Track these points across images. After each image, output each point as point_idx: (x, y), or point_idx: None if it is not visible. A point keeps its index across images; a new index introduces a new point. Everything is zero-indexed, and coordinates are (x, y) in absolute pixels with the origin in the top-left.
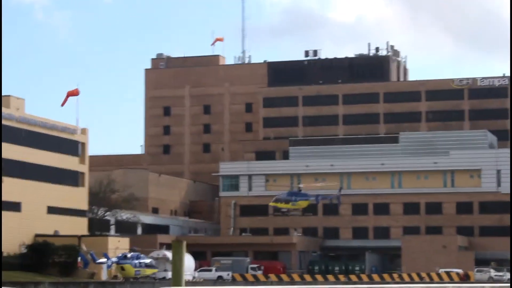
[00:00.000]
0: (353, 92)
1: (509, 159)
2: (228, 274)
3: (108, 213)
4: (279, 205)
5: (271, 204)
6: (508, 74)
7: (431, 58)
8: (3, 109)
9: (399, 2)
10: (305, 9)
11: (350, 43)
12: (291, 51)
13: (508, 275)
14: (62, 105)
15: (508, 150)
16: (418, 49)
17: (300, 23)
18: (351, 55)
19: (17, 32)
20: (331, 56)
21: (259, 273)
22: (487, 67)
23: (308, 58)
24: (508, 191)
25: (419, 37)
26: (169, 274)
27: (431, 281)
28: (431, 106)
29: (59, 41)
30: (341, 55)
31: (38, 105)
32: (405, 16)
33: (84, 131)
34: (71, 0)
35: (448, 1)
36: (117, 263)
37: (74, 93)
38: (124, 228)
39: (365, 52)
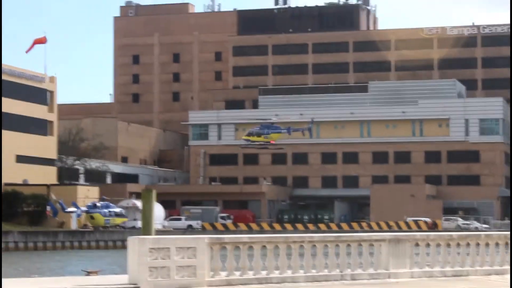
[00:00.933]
0: (323, 41)
1: (477, 108)
2: (197, 223)
3: (77, 162)
4: (252, 138)
5: (244, 137)
6: (476, 23)
7: (400, 7)
8: None
9: None
10: None
11: None
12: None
13: (476, 224)
14: (27, 51)
15: (477, 100)
16: None
17: None
18: (321, 3)
19: None
20: (301, 4)
21: (228, 222)
22: (453, 15)
23: (278, 6)
24: (476, 141)
25: None
26: (138, 223)
27: (399, 229)
28: (400, 55)
29: None
30: (311, 3)
31: (5, 54)
32: None
33: (52, 79)
34: None
35: None
36: (87, 212)
37: (41, 41)
38: (94, 177)
39: (335, 0)
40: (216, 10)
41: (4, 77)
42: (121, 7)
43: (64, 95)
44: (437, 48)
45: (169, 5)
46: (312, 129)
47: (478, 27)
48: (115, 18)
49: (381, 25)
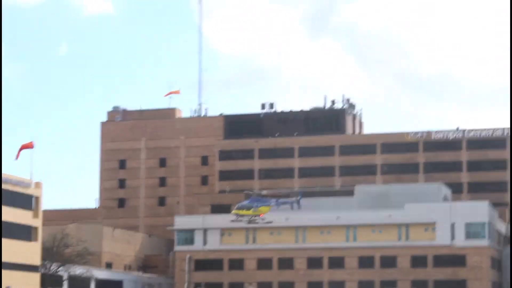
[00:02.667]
0: (309, 145)
1: (462, 212)
2: None
3: (61, 268)
4: (241, 212)
5: (234, 212)
6: (461, 127)
7: (385, 111)
8: None
9: (352, 55)
10: (259, 62)
11: (305, 95)
12: (247, 104)
13: None
14: (16, 158)
15: (463, 203)
16: (372, 101)
17: (254, 75)
18: (306, 107)
19: None
20: (287, 109)
21: None
22: (440, 119)
23: (264, 111)
24: (462, 245)
25: (373, 89)
26: None
27: None
28: (386, 159)
29: (12, 93)
30: (297, 108)
31: None
32: (358, 68)
33: (38, 184)
34: (24, 52)
35: (399, 54)
36: None
37: (28, 146)
38: (77, 284)
39: (321, 104)
40: (203, 114)
41: None
42: (108, 112)
43: (49, 200)
44: (422, 152)
45: (156, 110)
46: (301, 202)
47: (463, 131)
48: (102, 123)
49: (367, 129)
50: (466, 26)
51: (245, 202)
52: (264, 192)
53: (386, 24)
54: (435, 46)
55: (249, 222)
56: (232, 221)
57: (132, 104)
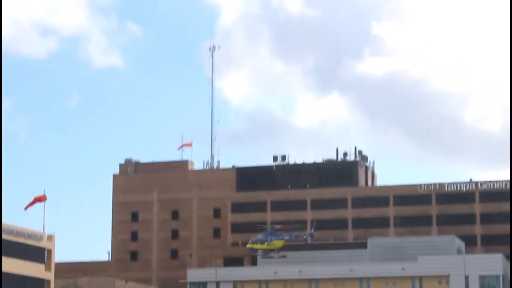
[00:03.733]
0: (322, 197)
1: (476, 265)
2: None
3: None
4: (256, 246)
5: (248, 246)
6: (474, 179)
7: (398, 162)
8: None
9: (360, 108)
10: (269, 115)
11: (315, 147)
12: (259, 156)
13: None
14: (26, 208)
15: (476, 256)
16: (383, 154)
17: (264, 128)
18: (319, 160)
19: None
20: (299, 161)
21: None
22: (450, 171)
23: (277, 163)
24: None
25: (382, 142)
26: None
27: None
28: (399, 212)
29: (24, 145)
30: (309, 160)
31: (5, 210)
32: (367, 121)
33: (50, 237)
34: (34, 104)
35: (406, 108)
36: None
37: (41, 199)
38: None
39: (332, 156)
40: (215, 167)
41: (2, 236)
42: (121, 164)
43: (62, 253)
44: (435, 204)
45: (168, 163)
46: (314, 235)
47: (476, 183)
48: (115, 175)
49: (380, 181)
50: (473, 78)
51: (259, 236)
52: (278, 226)
53: (393, 76)
54: (445, 97)
55: (263, 256)
56: (248, 255)
57: (144, 156)
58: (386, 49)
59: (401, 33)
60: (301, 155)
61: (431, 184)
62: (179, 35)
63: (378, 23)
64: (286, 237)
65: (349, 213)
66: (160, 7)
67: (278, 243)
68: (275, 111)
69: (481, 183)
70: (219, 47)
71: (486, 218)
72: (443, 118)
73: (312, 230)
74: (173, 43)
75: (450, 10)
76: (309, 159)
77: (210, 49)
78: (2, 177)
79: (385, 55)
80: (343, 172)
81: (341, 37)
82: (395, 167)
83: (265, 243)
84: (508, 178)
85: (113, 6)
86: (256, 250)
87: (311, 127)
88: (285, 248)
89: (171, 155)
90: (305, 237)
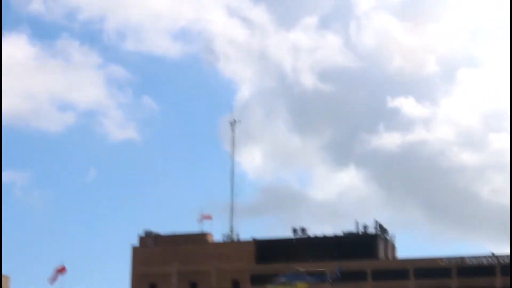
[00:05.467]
0: (342, 270)
1: None
2: None
3: None
4: (278, 287)
5: (269, 286)
6: (496, 253)
7: (413, 236)
8: None
9: (376, 181)
10: (285, 188)
11: (332, 220)
12: (277, 229)
13: None
14: (51, 283)
15: None
16: (400, 227)
17: (282, 201)
18: (339, 233)
19: None
20: (319, 233)
21: None
22: (468, 245)
23: (296, 236)
24: None
25: (399, 215)
26: None
27: None
28: (420, 285)
29: (42, 218)
30: (324, 232)
31: (24, 283)
32: (383, 194)
33: None
34: (51, 178)
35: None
36: None
37: (61, 270)
38: None
39: (349, 229)
40: (235, 239)
41: None
42: (140, 237)
43: None
44: (456, 277)
45: (188, 235)
46: (339, 277)
47: (497, 257)
48: (134, 248)
49: (400, 254)
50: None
51: (282, 278)
52: (302, 269)
53: (407, 150)
54: (461, 171)
55: None
56: None
57: (164, 228)
58: (400, 123)
59: (416, 108)
60: (318, 227)
61: (452, 258)
62: (195, 110)
63: (393, 98)
64: (310, 279)
65: (369, 285)
66: (176, 82)
67: (302, 286)
68: (292, 184)
69: (503, 256)
70: (240, 121)
71: None
72: (459, 192)
73: (338, 273)
74: (190, 117)
75: (464, 81)
76: (326, 232)
77: (231, 123)
78: (22, 251)
79: (400, 129)
80: (363, 244)
81: (356, 111)
82: (413, 241)
83: (288, 286)
84: None
85: (129, 81)
86: None
87: (328, 200)
88: None
89: (191, 227)
90: (330, 280)
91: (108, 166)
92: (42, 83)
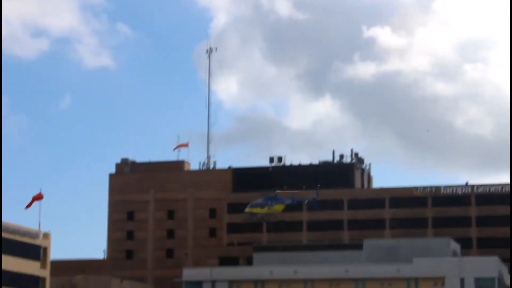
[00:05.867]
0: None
1: (472, 267)
2: None
3: None
4: (255, 210)
5: (247, 210)
6: (470, 182)
7: (394, 165)
8: None
9: (351, 111)
10: (262, 117)
11: (308, 149)
12: (253, 157)
13: None
14: (26, 208)
15: (472, 258)
16: (375, 156)
17: (258, 130)
18: (315, 162)
19: None
20: (295, 163)
21: None
22: (443, 174)
23: (273, 164)
24: None
25: (374, 144)
26: None
27: None
28: (395, 213)
29: (19, 144)
30: (305, 162)
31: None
32: (358, 124)
33: (46, 235)
34: (26, 104)
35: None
36: None
37: (38, 197)
38: None
39: (326, 158)
40: (211, 167)
41: None
42: (117, 164)
43: (58, 251)
44: (431, 207)
45: (164, 163)
46: (317, 201)
47: (472, 186)
48: (111, 175)
49: (376, 183)
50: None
51: (259, 200)
52: (278, 191)
53: (382, 80)
54: (435, 102)
55: (262, 220)
56: (246, 220)
57: (140, 156)
58: (376, 52)
59: (391, 37)
60: (294, 156)
61: (427, 187)
62: (170, 38)
63: (369, 27)
64: (288, 201)
65: (345, 214)
66: (151, 9)
67: (279, 207)
68: (267, 113)
69: (477, 186)
70: (216, 49)
71: (482, 221)
72: (433, 122)
73: (315, 195)
74: (165, 45)
75: (440, 12)
76: (302, 161)
77: (207, 51)
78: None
79: (375, 59)
80: (339, 174)
81: (331, 40)
82: (389, 170)
83: (265, 207)
84: (504, 181)
85: (104, 7)
86: (256, 214)
87: (304, 129)
88: (281, 248)
89: (168, 155)
90: (307, 201)
91: (83, 93)
92: (15, 8)
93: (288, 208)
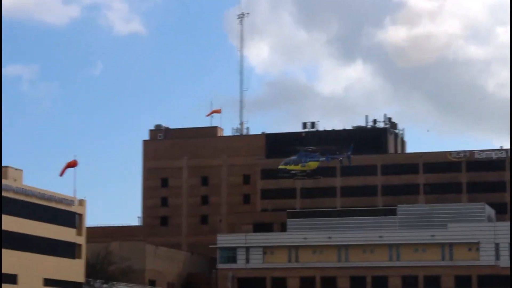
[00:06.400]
0: (351, 164)
1: (507, 232)
2: None
3: (104, 285)
4: (289, 167)
5: (281, 167)
6: (505, 147)
7: (422, 130)
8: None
9: (383, 75)
10: (292, 81)
11: (340, 114)
12: (285, 123)
13: None
14: (61, 175)
15: (507, 223)
16: (408, 121)
17: (289, 95)
18: (348, 127)
19: (7, 104)
20: (328, 127)
21: None
22: (476, 139)
23: (306, 130)
24: (507, 265)
25: (406, 109)
26: None
27: None
28: (429, 179)
29: (48, 112)
30: (332, 126)
31: (37, 175)
32: (390, 88)
33: (81, 202)
34: (57, 71)
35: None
36: None
37: (72, 164)
38: None
39: (358, 123)
40: (244, 133)
41: (34, 200)
42: (150, 130)
43: (93, 218)
44: (466, 172)
45: (198, 129)
46: (351, 158)
47: (506, 150)
48: (144, 141)
49: (409, 149)
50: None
51: (293, 158)
52: (311, 148)
53: (414, 44)
54: (467, 65)
55: (297, 177)
56: (280, 175)
57: (173, 122)
58: (406, 16)
59: (422, 1)
60: (326, 121)
61: (461, 152)
62: (200, 3)
63: None
64: (322, 159)
65: (378, 180)
66: None
67: (313, 164)
68: (299, 78)
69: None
70: (248, 14)
71: None
72: (465, 86)
73: (350, 152)
74: (195, 10)
75: None
76: (335, 126)
77: (239, 16)
78: (33, 144)
79: (406, 23)
80: (373, 139)
81: (362, 4)
82: (422, 135)
83: (299, 164)
84: None
85: None
86: (289, 171)
87: (335, 94)
88: (315, 214)
89: (201, 121)
90: (341, 159)
91: (115, 59)
92: None
93: (322, 174)
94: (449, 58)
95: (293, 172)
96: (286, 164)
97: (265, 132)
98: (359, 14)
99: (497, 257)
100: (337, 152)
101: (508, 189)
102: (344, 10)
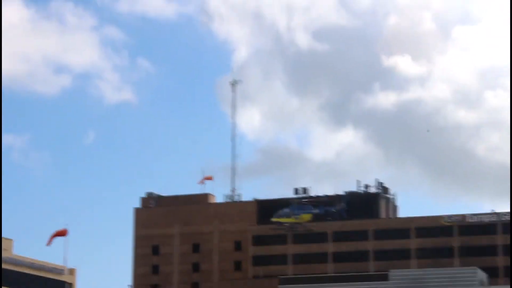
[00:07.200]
0: (343, 230)
1: None
2: None
3: None
4: (282, 219)
5: (274, 219)
6: (497, 210)
7: (413, 195)
8: None
9: (374, 141)
10: (284, 148)
11: (331, 180)
12: (277, 189)
13: None
14: (48, 244)
15: (499, 287)
16: (399, 186)
17: (281, 161)
18: (340, 192)
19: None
20: (320, 193)
21: None
22: (467, 203)
23: (298, 196)
24: None
25: (398, 174)
26: None
27: None
28: (421, 243)
29: (39, 181)
30: (324, 192)
31: (27, 245)
32: (381, 154)
33: (71, 271)
34: (49, 141)
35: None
36: None
37: (62, 233)
38: None
39: (349, 188)
40: (236, 200)
41: (24, 270)
42: (142, 198)
43: (83, 286)
44: (458, 236)
45: (190, 196)
46: (345, 210)
47: (498, 214)
48: (136, 209)
49: (401, 213)
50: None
51: (286, 210)
52: (305, 200)
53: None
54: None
55: (290, 229)
56: (272, 229)
57: (165, 190)
58: (396, 81)
59: (412, 66)
60: (318, 187)
61: (453, 216)
62: (191, 71)
63: (388, 56)
64: (315, 211)
65: (370, 244)
66: (171, 44)
67: (306, 217)
68: (290, 144)
69: (503, 214)
70: (241, 82)
71: (509, 250)
72: (455, 150)
73: (344, 205)
74: (186, 79)
75: (460, 39)
76: (327, 191)
77: (231, 83)
78: (23, 214)
79: (396, 88)
80: (365, 204)
81: (352, 70)
82: (413, 199)
83: (292, 217)
84: None
85: (124, 42)
86: (282, 223)
87: (327, 160)
88: (307, 280)
89: (192, 189)
90: (336, 209)
91: (106, 128)
92: (37, 45)
93: (314, 240)
94: (439, 123)
95: (286, 224)
96: (279, 216)
97: (257, 198)
98: (349, 80)
99: None
100: (329, 218)
101: (500, 253)
102: (334, 76)
